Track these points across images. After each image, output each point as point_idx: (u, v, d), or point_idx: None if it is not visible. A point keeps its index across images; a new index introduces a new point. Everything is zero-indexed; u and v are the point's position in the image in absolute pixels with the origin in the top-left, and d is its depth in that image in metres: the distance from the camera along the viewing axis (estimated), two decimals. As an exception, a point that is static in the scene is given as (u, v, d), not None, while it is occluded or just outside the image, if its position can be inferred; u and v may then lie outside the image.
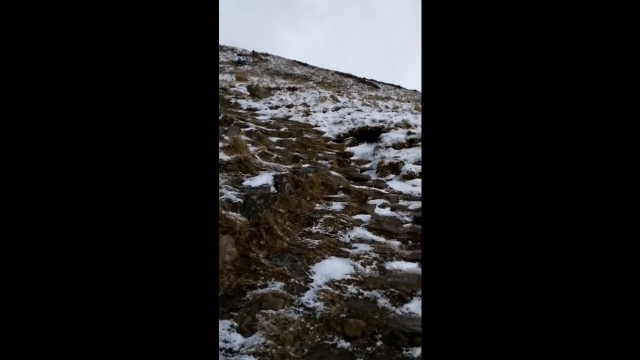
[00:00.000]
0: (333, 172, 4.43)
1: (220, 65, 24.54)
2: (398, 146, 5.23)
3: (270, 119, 7.27)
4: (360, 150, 5.94)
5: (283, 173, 3.19)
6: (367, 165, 5.14)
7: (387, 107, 10.44)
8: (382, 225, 2.87)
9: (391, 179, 4.47)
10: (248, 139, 4.46)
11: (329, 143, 6.33)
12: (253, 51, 29.04)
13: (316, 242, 2.50)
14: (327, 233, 2.70)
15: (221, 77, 19.35)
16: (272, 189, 2.91)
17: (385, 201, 3.49)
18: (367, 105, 9.68)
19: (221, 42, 30.61)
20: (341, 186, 3.70)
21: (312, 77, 23.59)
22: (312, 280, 2.00)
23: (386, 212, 3.26)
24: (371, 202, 3.51)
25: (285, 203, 2.86)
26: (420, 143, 5.19)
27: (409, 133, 5.81)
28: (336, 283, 1.98)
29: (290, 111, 8.10)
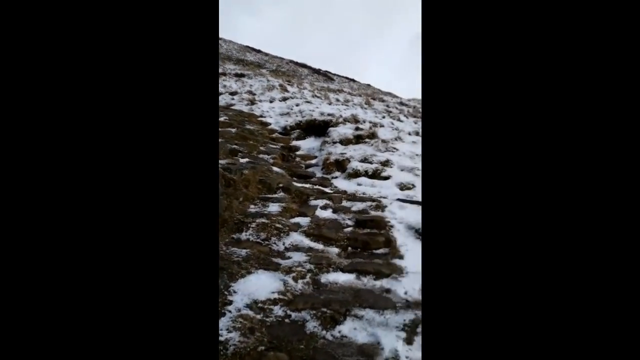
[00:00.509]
0: (275, 169, 4.13)
1: None
2: (345, 142, 5.08)
3: None
4: (307, 144, 5.70)
5: (212, 170, 2.81)
6: (313, 161, 4.91)
7: (338, 100, 10.33)
8: (321, 230, 2.66)
9: (336, 177, 4.29)
10: (178, 128, 3.94)
11: (273, 136, 5.98)
12: None
13: (244, 252, 2.19)
14: (258, 240, 2.40)
15: None
16: (196, 188, 2.53)
17: (328, 202, 3.29)
18: (318, 97, 9.46)
19: None
20: (281, 185, 3.41)
21: (265, 65, 23.05)
22: (230, 303, 1.70)
23: (327, 214, 3.06)
24: (313, 202, 3.28)
25: (211, 205, 2.50)
26: (367, 140, 5.10)
27: (357, 129, 5.70)
28: (260, 304, 1.71)
29: (233, 99, 7.55)
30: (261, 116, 6.83)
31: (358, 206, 3.25)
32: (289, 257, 2.26)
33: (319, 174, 4.41)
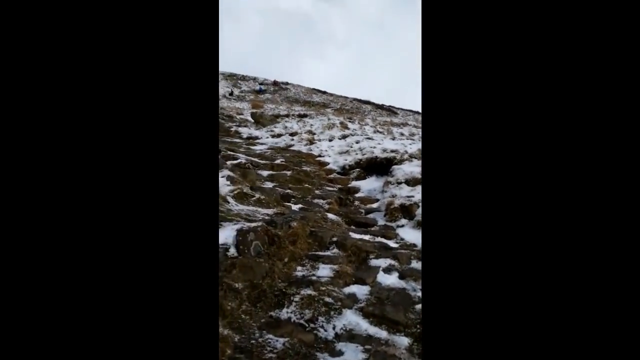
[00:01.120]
0: (330, 215, 3.67)
1: (241, 94, 26.11)
2: (412, 182, 4.43)
3: (268, 148, 6.68)
4: (368, 185, 5.17)
5: (253, 225, 2.46)
6: (375, 205, 4.34)
7: (402, 134, 9.74)
8: (384, 307, 2.04)
9: (402, 225, 3.64)
10: (230, 174, 3.80)
11: (331, 176, 5.61)
12: (274, 80, 30.56)
13: (280, 341, 1.70)
14: (301, 321, 1.89)
15: (238, 104, 19.90)
16: (232, 250, 2.17)
17: (393, 262, 2.66)
18: (380, 133, 9.01)
19: (244, 72, 33.32)
20: (335, 238, 2.91)
21: (330, 104, 24.43)
22: None
23: (393, 280, 2.43)
24: (373, 262, 2.69)
25: (247, 272, 2.10)
26: (439, 179, 4.38)
27: (426, 165, 5.01)
28: None
29: (293, 140, 7.52)
30: (319, 156, 6.58)
31: (433, 269, 2.55)
32: (340, 353, 1.69)
33: (381, 221, 3.81)
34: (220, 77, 32.12)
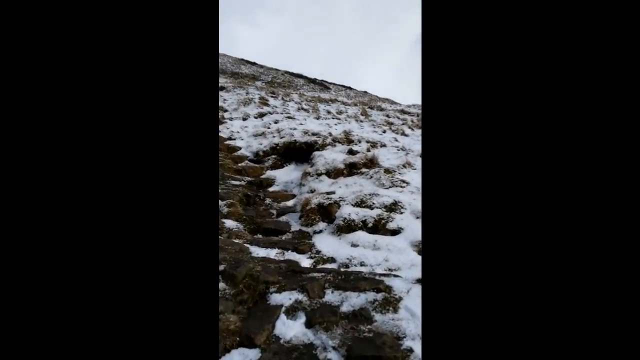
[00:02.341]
0: (228, 223, 2.85)
1: None
2: (334, 173, 3.81)
3: None
4: (285, 175, 4.44)
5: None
6: (290, 203, 3.64)
7: (329, 112, 9.15)
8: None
9: (320, 231, 3.01)
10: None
11: (242, 165, 4.72)
12: None
13: None
14: None
15: None
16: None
17: (301, 296, 1.99)
18: (305, 110, 8.28)
19: None
20: (223, 265, 2.12)
21: (260, 77, 23.36)
22: None
23: (297, 329, 1.76)
24: (274, 298, 1.99)
25: None
26: (364, 169, 3.83)
27: (351, 152, 4.44)
28: None
29: (198, 118, 6.34)
30: (229, 138, 5.59)
31: (352, 302, 1.96)
32: None
33: (295, 225, 3.13)
34: None
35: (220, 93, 9.87)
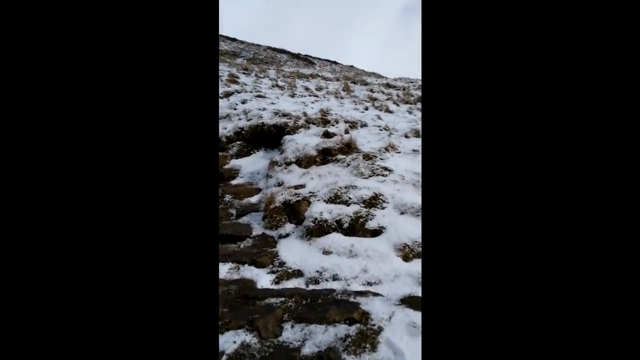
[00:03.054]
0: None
1: None
2: (305, 162, 3.31)
3: None
4: (251, 164, 3.91)
5: None
6: (254, 200, 3.14)
7: (307, 88, 8.51)
8: None
9: (287, 235, 2.54)
10: None
11: (202, 154, 4.16)
12: None
13: None
14: None
15: None
16: None
17: (249, 338, 1.54)
18: (279, 88, 7.62)
19: None
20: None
21: (241, 53, 22.87)
22: None
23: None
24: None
25: None
26: (340, 155, 3.33)
27: (326, 134, 3.92)
28: None
29: (154, 100, 5.66)
30: (190, 123, 4.97)
31: (317, 340, 1.52)
32: None
33: (258, 229, 2.65)
34: None
35: (186, 71, 9.08)
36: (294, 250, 2.34)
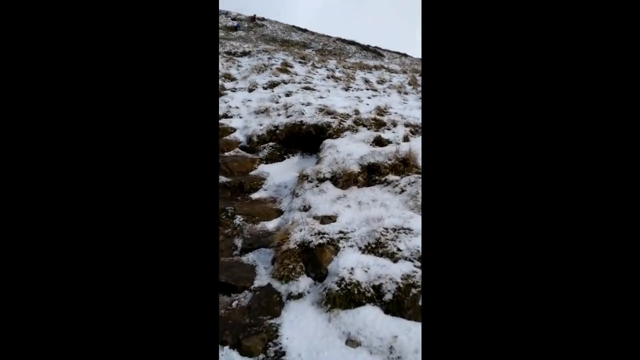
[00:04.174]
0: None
1: None
2: (343, 180, 2.47)
3: None
4: (281, 173, 3.19)
5: None
6: (271, 225, 2.40)
7: (366, 81, 7.57)
8: None
9: (299, 296, 1.75)
10: None
11: (229, 154, 3.55)
12: (253, 15, 28.21)
13: None
14: None
15: None
16: None
17: None
18: (334, 79, 6.80)
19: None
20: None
21: (311, 44, 23.12)
22: None
23: None
24: None
25: None
26: (391, 176, 2.42)
27: (378, 142, 3.03)
28: None
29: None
30: (225, 116, 4.42)
31: None
32: None
33: (263, 276, 1.92)
34: None
35: (240, 58, 8.69)
36: (304, 329, 1.55)
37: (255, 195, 2.87)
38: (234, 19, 28.78)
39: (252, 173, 3.27)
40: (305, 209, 2.33)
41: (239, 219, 2.45)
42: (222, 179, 2.97)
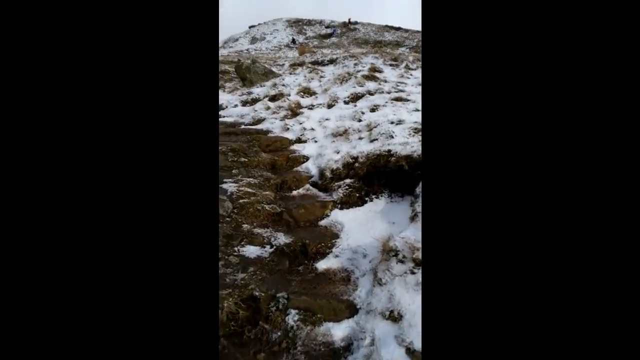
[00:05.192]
0: None
1: (305, 41, 24.93)
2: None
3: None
4: (359, 227, 2.33)
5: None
6: (339, 333, 1.56)
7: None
8: None
9: None
10: None
11: (296, 193, 2.85)
12: (347, 20, 29.49)
13: None
14: None
15: (290, 53, 18.31)
16: None
17: None
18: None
19: (312, 16, 32.32)
20: None
21: (404, 42, 22.95)
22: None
23: None
24: None
25: None
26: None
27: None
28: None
29: (270, 108, 4.74)
30: (297, 140, 3.77)
31: None
32: None
33: None
34: (284, 24, 31.17)
35: (324, 67, 8.11)
36: None
37: (322, 265, 2.07)
38: (327, 27, 29.55)
39: (322, 223, 2.49)
40: (393, 316, 1.43)
41: (293, 317, 1.67)
42: (281, 238, 2.25)
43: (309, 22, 32.26)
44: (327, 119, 4.05)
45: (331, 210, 2.62)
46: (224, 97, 5.69)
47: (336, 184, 2.81)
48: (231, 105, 5.26)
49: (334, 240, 2.26)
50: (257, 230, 2.31)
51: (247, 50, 25.48)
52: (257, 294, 1.76)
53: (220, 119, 4.67)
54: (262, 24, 33.84)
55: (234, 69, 7.48)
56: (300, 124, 4.06)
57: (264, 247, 2.17)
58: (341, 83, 5.40)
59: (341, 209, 2.62)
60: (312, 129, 3.90)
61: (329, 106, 4.49)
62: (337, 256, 2.13)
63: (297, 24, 31.85)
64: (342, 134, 3.49)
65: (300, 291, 1.83)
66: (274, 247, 2.17)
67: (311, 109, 4.56)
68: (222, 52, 25.34)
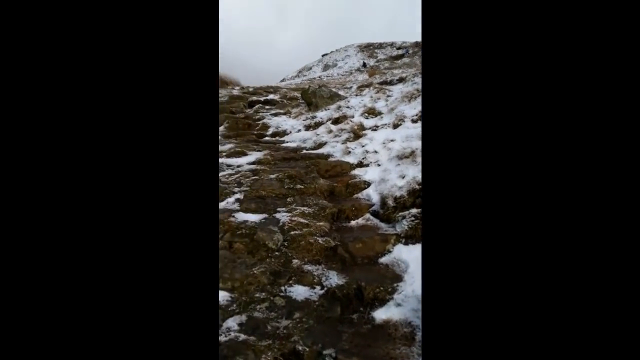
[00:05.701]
0: None
1: (377, 64, 25.53)
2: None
3: (279, 153, 3.98)
4: (428, 269, 1.93)
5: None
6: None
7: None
8: None
9: None
10: None
11: (353, 224, 2.56)
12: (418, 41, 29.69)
13: None
14: None
15: (361, 77, 18.63)
16: None
17: None
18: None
19: (383, 39, 33.22)
20: None
21: None
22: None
23: None
24: None
25: None
26: None
27: None
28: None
29: (332, 131, 4.59)
30: (360, 164, 3.51)
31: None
32: None
33: None
34: (356, 50, 32.21)
35: (392, 87, 7.80)
36: None
37: (380, 315, 1.73)
38: (399, 48, 29.51)
39: (383, 260, 2.15)
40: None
41: (339, 384, 1.37)
42: (334, 278, 1.98)
43: (380, 45, 32.44)
44: (392, 140, 3.73)
45: (394, 246, 2.27)
46: (288, 123, 5.75)
47: (400, 214, 2.45)
48: (295, 130, 5.27)
49: (395, 284, 1.91)
50: (308, 267, 2.07)
51: (319, 77, 26.42)
52: (300, 348, 1.50)
53: (282, 145, 4.67)
54: (334, 51, 34.99)
55: (300, 95, 7.63)
56: (363, 146, 3.81)
57: (314, 287, 1.92)
58: (409, 101, 5.04)
59: (405, 244, 2.25)
60: (376, 152, 3.61)
61: (395, 126, 4.17)
62: (399, 305, 1.77)
63: (368, 48, 32.25)
64: (408, 155, 3.13)
65: (352, 349, 1.52)
66: (325, 288, 1.90)
67: (375, 129, 4.29)
68: (296, 80, 26.65)
